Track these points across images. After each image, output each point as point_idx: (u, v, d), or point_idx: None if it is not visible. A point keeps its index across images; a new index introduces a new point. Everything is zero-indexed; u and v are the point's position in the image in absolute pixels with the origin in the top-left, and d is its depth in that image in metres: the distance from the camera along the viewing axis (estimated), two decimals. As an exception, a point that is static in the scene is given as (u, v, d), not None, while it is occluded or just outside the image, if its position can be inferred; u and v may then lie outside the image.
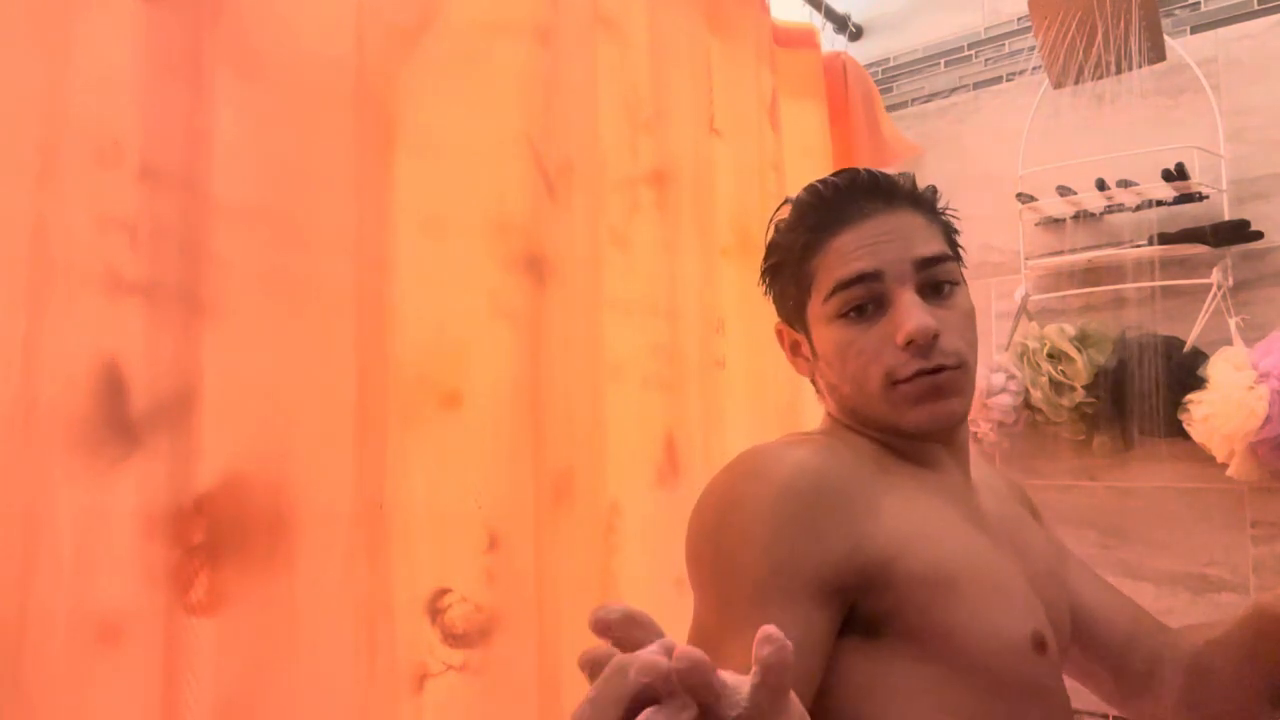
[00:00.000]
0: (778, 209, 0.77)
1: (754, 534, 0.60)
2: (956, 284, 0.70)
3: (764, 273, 0.78)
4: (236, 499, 0.75)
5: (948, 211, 0.74)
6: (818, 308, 0.71)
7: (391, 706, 0.84)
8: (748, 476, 0.64)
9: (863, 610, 0.61)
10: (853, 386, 0.70)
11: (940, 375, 0.66)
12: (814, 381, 0.77)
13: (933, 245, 0.69)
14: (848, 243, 0.68)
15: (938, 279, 0.68)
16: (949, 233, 0.73)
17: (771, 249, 0.76)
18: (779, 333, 0.79)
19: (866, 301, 0.68)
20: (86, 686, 0.66)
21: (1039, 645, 0.64)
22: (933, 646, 0.61)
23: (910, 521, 0.64)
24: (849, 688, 0.61)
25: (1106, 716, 1.58)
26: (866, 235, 0.68)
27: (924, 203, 0.72)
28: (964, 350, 0.68)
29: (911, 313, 0.66)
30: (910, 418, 0.68)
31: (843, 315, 0.69)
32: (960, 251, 0.74)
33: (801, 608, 0.59)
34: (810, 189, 0.73)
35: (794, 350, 0.78)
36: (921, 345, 0.65)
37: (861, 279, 0.67)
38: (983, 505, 0.73)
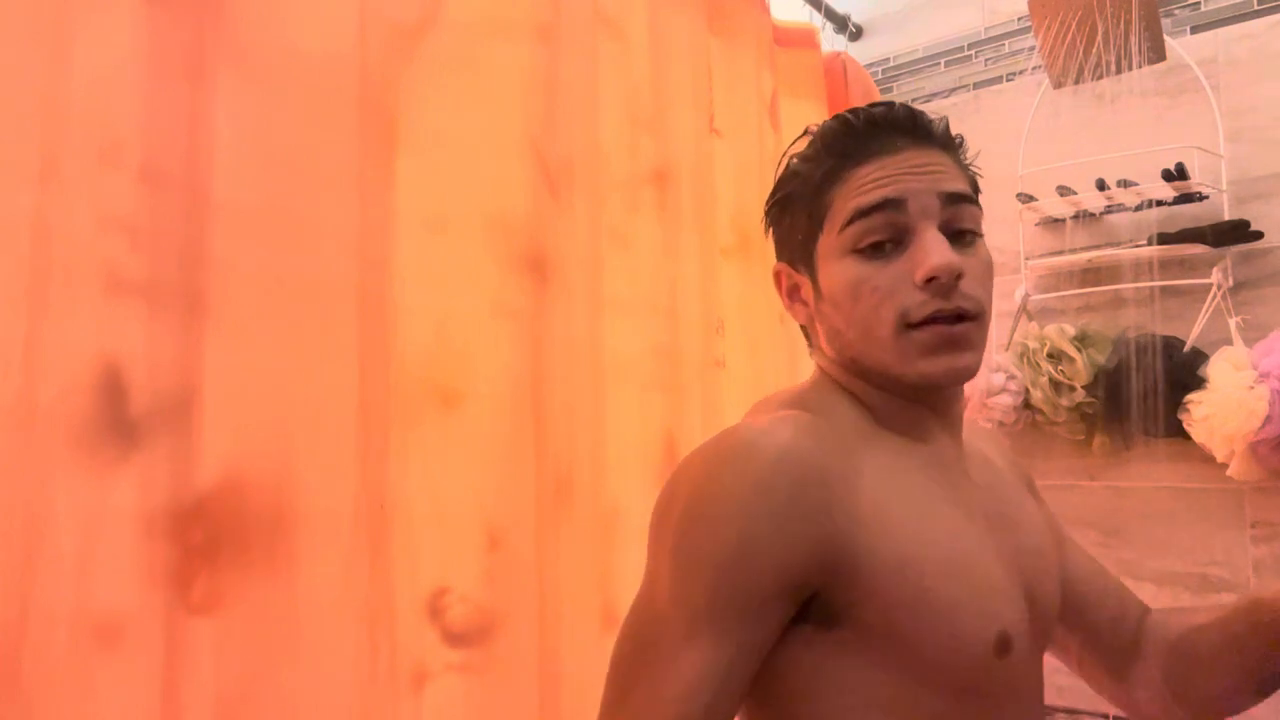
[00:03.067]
0: (795, 140, 0.72)
1: (722, 535, 0.57)
2: (979, 235, 0.66)
3: (771, 206, 0.72)
4: (237, 499, 0.75)
5: (970, 162, 0.70)
6: (830, 240, 0.65)
7: (391, 706, 0.84)
8: (725, 462, 0.60)
9: (822, 599, 0.59)
10: (859, 330, 0.64)
11: (957, 327, 0.62)
12: (809, 330, 0.72)
13: (960, 183, 0.65)
14: (872, 172, 0.64)
15: (963, 223, 0.64)
16: (973, 183, 0.69)
17: (785, 180, 0.71)
18: (777, 275, 0.73)
19: (885, 237, 0.63)
20: (87, 686, 0.66)
21: (1002, 648, 0.61)
22: (889, 645, 0.59)
23: (888, 510, 0.60)
24: (793, 681, 0.60)
25: (1106, 716, 1.58)
26: (893, 167, 0.63)
27: (954, 149, 0.68)
28: (983, 299, 0.64)
29: (936, 247, 0.61)
30: (919, 368, 0.63)
31: (858, 250, 0.64)
32: (980, 203, 0.69)
33: (757, 613, 0.57)
34: (840, 117, 0.68)
35: (792, 294, 0.72)
36: (944, 284, 0.60)
37: (883, 206, 0.62)
38: (971, 477, 0.70)
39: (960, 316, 0.62)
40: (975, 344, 0.63)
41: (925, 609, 0.59)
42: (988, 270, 0.65)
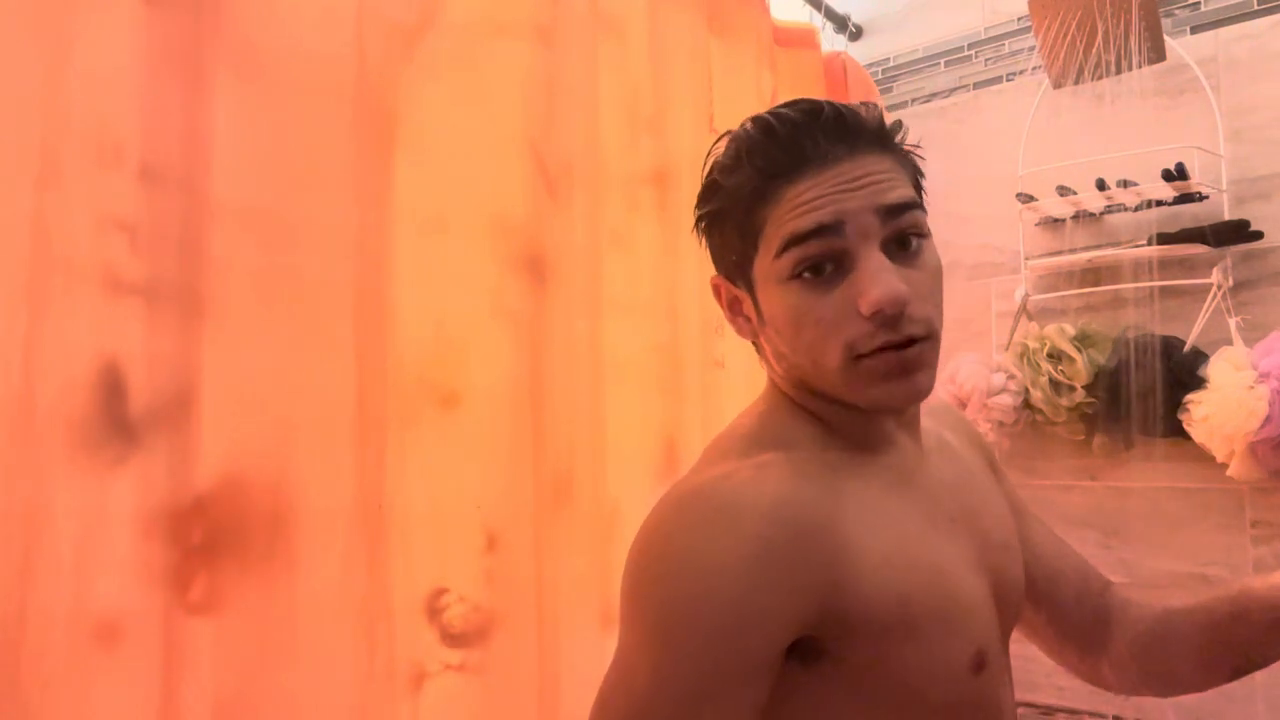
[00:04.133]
0: (715, 142, 0.65)
1: (717, 602, 0.53)
2: (924, 237, 0.61)
3: (700, 218, 0.66)
4: (236, 499, 0.75)
5: (912, 150, 0.64)
6: (766, 264, 0.60)
7: (390, 706, 0.84)
8: (710, 522, 0.55)
9: (809, 640, 0.56)
10: (806, 358, 0.60)
11: (908, 351, 0.58)
12: (756, 344, 0.68)
13: (900, 190, 0.59)
14: (804, 191, 0.58)
15: (905, 231, 0.59)
16: (915, 175, 0.64)
17: (710, 192, 0.64)
18: (716, 289, 0.68)
19: (824, 260, 0.58)
20: (86, 686, 0.66)
21: (978, 665, 0.60)
22: (869, 676, 0.57)
23: (871, 543, 0.58)
24: (780, 717, 0.57)
25: (1106, 717, 1.58)
26: (827, 184, 0.58)
27: (890, 143, 0.62)
28: (933, 317, 0.59)
29: (879, 277, 0.56)
30: (871, 396, 0.59)
31: (796, 276, 0.59)
32: (924, 195, 0.64)
33: (756, 676, 0.54)
34: (760, 123, 0.61)
35: (733, 309, 0.67)
36: (890, 315, 0.56)
37: (820, 232, 0.57)
38: (935, 478, 0.67)
39: (910, 341, 0.58)
40: (928, 363, 0.60)
41: (910, 638, 0.57)
42: (936, 279, 0.61)
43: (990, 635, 0.63)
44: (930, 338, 0.59)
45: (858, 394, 0.60)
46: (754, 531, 0.54)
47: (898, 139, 0.63)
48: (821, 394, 0.63)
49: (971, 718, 0.61)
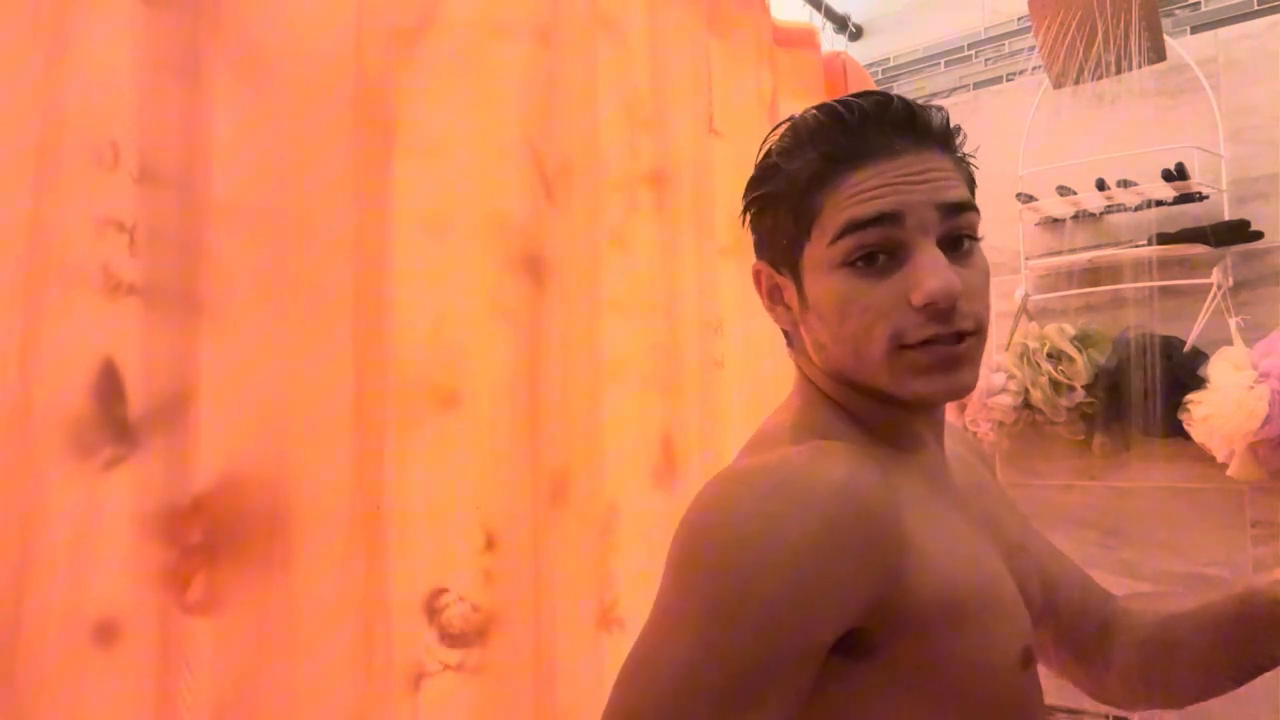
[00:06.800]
0: (774, 129, 0.65)
1: (780, 580, 0.51)
2: (977, 240, 0.62)
3: (752, 201, 0.66)
4: (234, 499, 0.75)
5: (968, 158, 0.65)
6: (819, 250, 0.60)
7: (388, 706, 0.84)
8: (778, 497, 0.53)
9: (861, 633, 0.55)
10: (848, 348, 0.60)
11: (957, 346, 0.58)
12: (791, 334, 0.68)
13: (961, 190, 0.60)
14: (868, 179, 0.58)
15: (960, 231, 0.60)
16: (971, 181, 0.64)
17: (766, 174, 0.64)
18: (756, 274, 0.68)
19: (880, 250, 0.58)
20: (84, 686, 0.66)
21: (1027, 661, 0.60)
22: (921, 673, 0.56)
23: (924, 538, 0.57)
24: (823, 713, 0.56)
25: (1107, 717, 1.58)
26: (890, 174, 0.58)
27: (952, 145, 0.63)
28: (982, 314, 0.60)
29: (936, 269, 0.56)
30: (913, 388, 0.59)
31: (849, 263, 0.59)
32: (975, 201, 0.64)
33: (809, 661, 0.52)
34: (829, 110, 0.61)
35: (773, 296, 0.67)
36: (942, 308, 0.56)
37: (880, 220, 0.57)
38: (959, 481, 0.67)
39: (960, 336, 0.58)
40: (974, 360, 0.60)
41: (962, 634, 0.57)
42: (985, 279, 0.62)
43: (1030, 631, 0.63)
44: (978, 333, 0.59)
45: (899, 385, 0.59)
46: (822, 510, 0.52)
47: (959, 141, 0.63)
48: (860, 388, 0.63)
49: (1019, 714, 0.61)
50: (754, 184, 0.66)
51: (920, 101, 0.62)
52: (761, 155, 0.65)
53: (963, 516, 0.64)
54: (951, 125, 0.63)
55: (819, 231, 0.60)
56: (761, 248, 0.67)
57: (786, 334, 0.69)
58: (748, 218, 0.67)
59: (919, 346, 0.58)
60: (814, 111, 0.62)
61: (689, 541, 0.55)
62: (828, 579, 0.52)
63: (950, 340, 0.58)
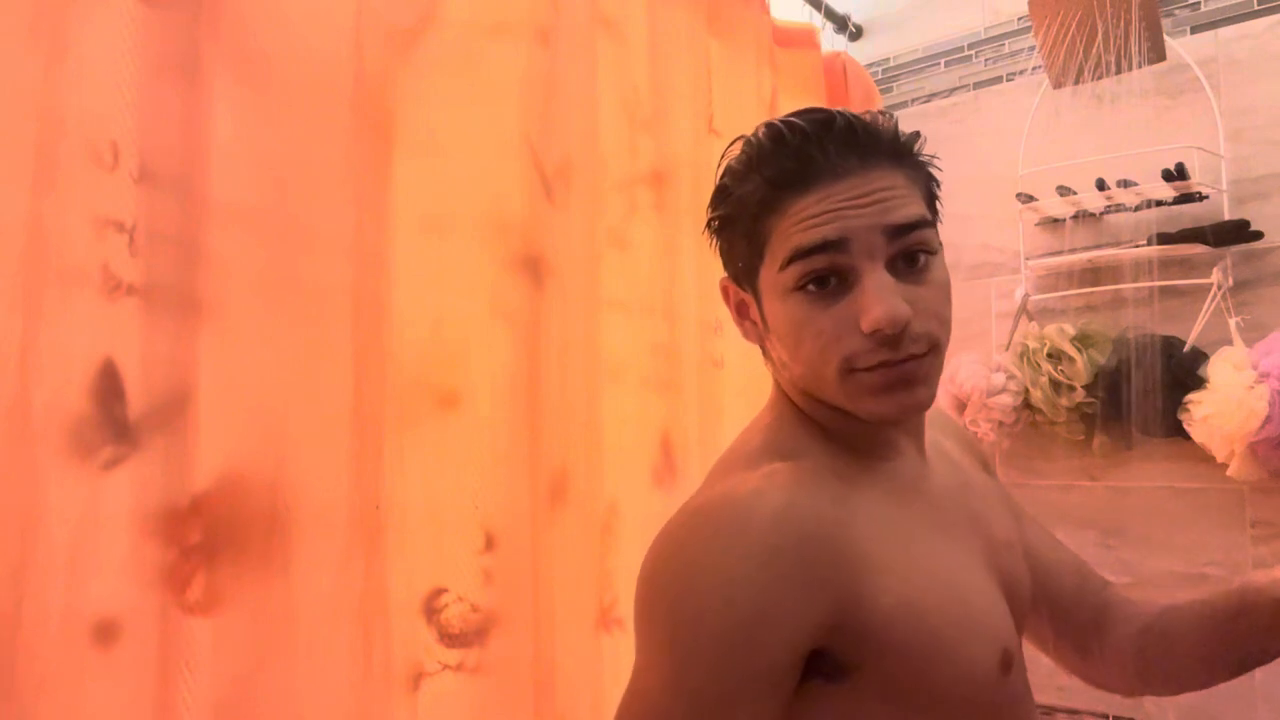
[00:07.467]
0: (730, 145, 0.65)
1: (726, 611, 0.53)
2: (933, 253, 0.60)
3: (711, 221, 0.66)
4: (233, 499, 0.75)
5: (929, 160, 0.63)
6: (771, 275, 0.61)
7: (387, 706, 0.84)
8: (718, 532, 0.56)
9: (829, 654, 0.56)
10: (805, 369, 0.61)
11: (905, 365, 0.58)
12: (763, 348, 0.69)
13: (910, 209, 0.59)
14: (811, 205, 0.58)
15: (912, 249, 0.59)
16: (929, 188, 0.63)
17: (720, 196, 0.64)
18: (724, 290, 0.69)
19: (828, 274, 0.58)
20: (83, 686, 0.66)
21: (1005, 665, 0.60)
22: (899, 687, 0.57)
23: (883, 553, 0.58)
24: None
25: (1107, 717, 1.58)
26: (835, 199, 0.57)
27: (905, 156, 0.61)
28: (936, 331, 0.59)
29: (880, 296, 0.56)
30: (869, 408, 0.59)
31: (800, 288, 0.59)
32: (939, 207, 0.64)
33: (771, 688, 0.54)
34: (772, 131, 0.60)
35: (740, 312, 0.68)
36: (890, 335, 0.56)
37: (824, 248, 0.57)
38: (939, 484, 0.68)
39: (910, 359, 0.58)
40: (929, 377, 0.60)
41: (933, 648, 0.57)
42: (942, 294, 0.61)
43: (1010, 634, 0.63)
44: (931, 352, 0.59)
45: (855, 405, 0.60)
46: (761, 539, 0.54)
47: (915, 149, 0.63)
48: (825, 402, 0.64)
49: (1007, 716, 0.62)
50: (712, 204, 0.66)
51: (872, 113, 0.61)
52: (719, 172, 0.65)
53: (934, 524, 0.64)
54: (906, 134, 0.62)
55: (770, 256, 0.61)
56: (725, 264, 0.68)
57: (762, 349, 0.70)
58: (710, 234, 0.67)
59: (870, 370, 0.58)
60: (761, 131, 0.62)
61: (646, 592, 0.58)
62: (774, 606, 0.53)
63: (900, 362, 0.58)
